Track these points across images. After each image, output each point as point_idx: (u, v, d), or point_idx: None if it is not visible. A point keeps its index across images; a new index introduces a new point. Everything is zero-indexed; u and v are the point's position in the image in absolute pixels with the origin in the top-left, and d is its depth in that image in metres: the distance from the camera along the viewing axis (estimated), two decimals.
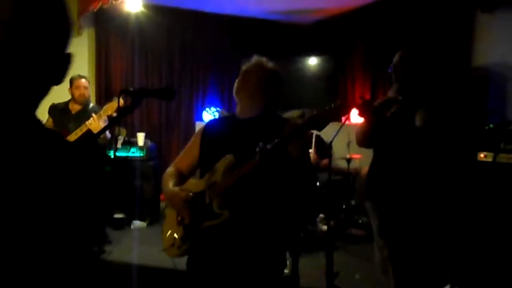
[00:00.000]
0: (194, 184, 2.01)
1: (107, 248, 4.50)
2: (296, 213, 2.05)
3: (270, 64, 2.13)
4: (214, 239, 1.94)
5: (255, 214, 1.92)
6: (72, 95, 4.39)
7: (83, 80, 4.41)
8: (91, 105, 4.55)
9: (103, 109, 3.98)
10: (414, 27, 5.43)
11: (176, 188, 2.01)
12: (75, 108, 4.40)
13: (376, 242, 2.74)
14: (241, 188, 1.86)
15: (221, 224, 1.87)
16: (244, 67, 2.11)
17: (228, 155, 1.90)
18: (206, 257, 1.99)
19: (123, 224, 5.52)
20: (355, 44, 6.56)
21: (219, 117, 2.21)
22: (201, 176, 2.02)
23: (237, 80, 2.11)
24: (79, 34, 6.12)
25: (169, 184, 2.06)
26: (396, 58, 2.74)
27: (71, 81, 4.36)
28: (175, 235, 2.04)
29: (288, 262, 3.63)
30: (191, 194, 1.95)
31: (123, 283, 3.92)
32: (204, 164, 2.08)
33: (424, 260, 2.51)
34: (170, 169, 2.18)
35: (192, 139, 2.21)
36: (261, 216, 1.93)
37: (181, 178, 2.13)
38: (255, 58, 2.12)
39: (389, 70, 2.75)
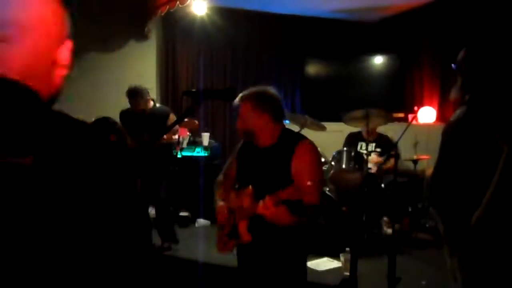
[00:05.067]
0: (234, 199, 2.30)
1: (174, 246, 4.62)
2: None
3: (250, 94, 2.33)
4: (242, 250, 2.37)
5: (273, 239, 2.23)
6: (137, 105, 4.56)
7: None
8: (157, 105, 4.72)
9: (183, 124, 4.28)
10: (486, 23, 5.15)
11: (221, 203, 2.38)
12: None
13: (445, 247, 2.62)
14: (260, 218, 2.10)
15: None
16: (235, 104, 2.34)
17: (249, 187, 2.16)
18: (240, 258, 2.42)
19: (188, 222, 5.66)
20: (422, 41, 6.33)
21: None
22: (239, 187, 2.33)
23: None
24: (147, 37, 6.37)
25: (217, 194, 2.45)
26: (461, 55, 2.59)
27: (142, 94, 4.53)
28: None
29: (348, 264, 3.58)
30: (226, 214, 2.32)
31: (188, 280, 4.02)
32: (240, 180, 2.39)
33: (495, 270, 2.37)
34: (219, 178, 2.53)
35: (233, 153, 2.53)
36: (279, 241, 2.24)
37: (229, 186, 2.45)
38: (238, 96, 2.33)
39: (453, 67, 2.61)
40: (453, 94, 2.66)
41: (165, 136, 4.26)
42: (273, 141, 2.31)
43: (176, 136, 4.57)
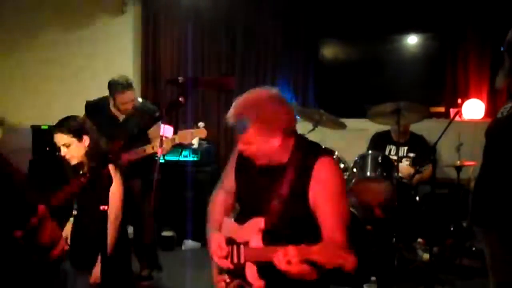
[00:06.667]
0: (237, 230, 2.24)
1: (156, 274, 4.61)
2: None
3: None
4: None
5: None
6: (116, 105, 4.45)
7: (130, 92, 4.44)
8: (139, 99, 4.67)
9: (178, 135, 4.16)
10: None
11: (216, 234, 2.31)
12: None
13: (490, 276, 2.62)
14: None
15: None
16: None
17: (259, 220, 2.11)
18: None
19: (173, 245, 5.65)
20: (468, 17, 6.31)
21: None
22: (241, 212, 2.33)
23: None
24: (122, 12, 6.37)
25: (211, 217, 2.42)
26: (510, 35, 2.58)
27: (116, 91, 4.38)
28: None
29: None
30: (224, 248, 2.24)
31: None
32: (240, 199, 2.37)
33: None
34: (218, 196, 2.47)
35: (230, 159, 2.45)
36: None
37: (230, 205, 2.44)
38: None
39: (502, 49, 2.60)
40: (499, 82, 2.65)
41: (146, 150, 4.23)
42: (285, 158, 2.23)
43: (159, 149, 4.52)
